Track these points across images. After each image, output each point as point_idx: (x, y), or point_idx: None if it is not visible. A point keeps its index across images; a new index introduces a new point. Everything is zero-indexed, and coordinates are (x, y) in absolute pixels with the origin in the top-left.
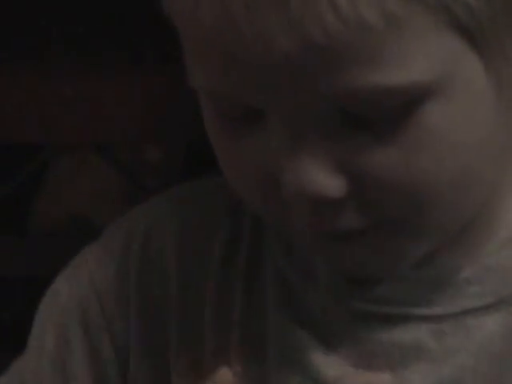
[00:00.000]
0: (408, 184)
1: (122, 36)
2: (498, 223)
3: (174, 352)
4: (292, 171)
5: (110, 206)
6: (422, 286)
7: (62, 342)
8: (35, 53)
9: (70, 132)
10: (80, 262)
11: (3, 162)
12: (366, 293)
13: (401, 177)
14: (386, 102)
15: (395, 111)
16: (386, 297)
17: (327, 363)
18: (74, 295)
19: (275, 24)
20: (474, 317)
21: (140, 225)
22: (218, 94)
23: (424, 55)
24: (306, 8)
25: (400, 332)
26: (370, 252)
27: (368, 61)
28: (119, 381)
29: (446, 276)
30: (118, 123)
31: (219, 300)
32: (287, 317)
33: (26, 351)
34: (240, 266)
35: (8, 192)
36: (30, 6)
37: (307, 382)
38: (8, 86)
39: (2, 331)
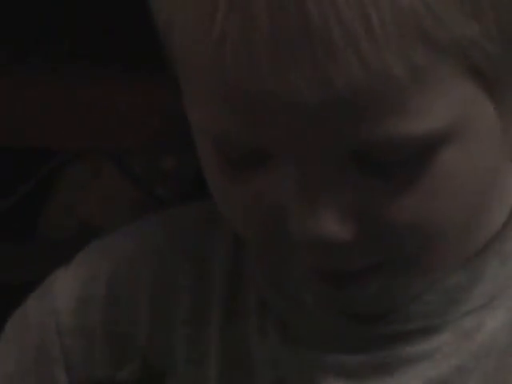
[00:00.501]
0: (421, 226)
1: (141, 44)
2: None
3: None
4: (302, 216)
5: (123, 215)
6: (419, 302)
7: (22, 366)
8: (48, 58)
9: (84, 139)
10: (48, 286)
11: (15, 168)
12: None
13: (415, 220)
14: (403, 149)
15: (412, 158)
16: (384, 317)
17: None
18: (37, 321)
19: (299, 76)
20: (472, 319)
21: (107, 261)
22: (221, 136)
23: (443, 102)
24: (331, 60)
25: (400, 348)
26: (373, 292)
27: (390, 110)
28: None
29: (440, 286)
30: (132, 131)
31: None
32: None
33: None
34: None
35: (19, 198)
36: (42, 9)
37: None
38: (22, 90)
39: None
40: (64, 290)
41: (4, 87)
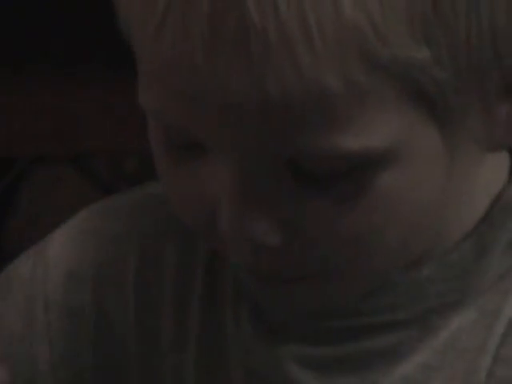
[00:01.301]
0: (356, 240)
1: (98, 49)
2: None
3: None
4: (232, 213)
5: None
6: (384, 293)
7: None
8: (10, 63)
9: (45, 144)
10: (43, 250)
11: None
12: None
13: (350, 234)
14: (339, 163)
15: (348, 173)
16: (349, 308)
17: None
18: (26, 288)
19: (234, 71)
20: (438, 315)
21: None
22: (166, 120)
23: (384, 123)
24: (265, 62)
25: (363, 342)
26: (311, 294)
27: (326, 123)
28: None
29: (406, 279)
30: (93, 135)
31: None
32: (254, 331)
33: None
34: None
35: None
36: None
37: None
38: None
39: None
40: (56, 260)
41: None
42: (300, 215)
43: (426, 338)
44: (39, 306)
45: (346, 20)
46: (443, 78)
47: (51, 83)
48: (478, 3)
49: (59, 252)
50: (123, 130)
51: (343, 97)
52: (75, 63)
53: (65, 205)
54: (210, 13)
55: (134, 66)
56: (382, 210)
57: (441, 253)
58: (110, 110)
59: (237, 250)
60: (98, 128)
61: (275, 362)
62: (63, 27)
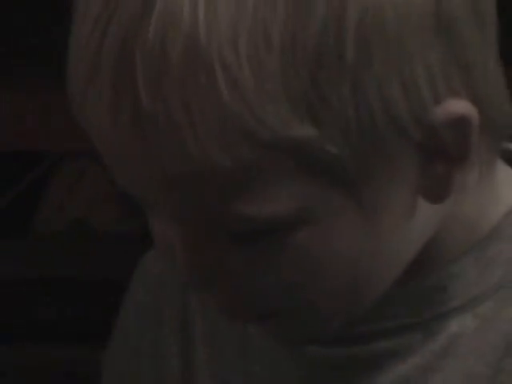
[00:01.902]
0: (291, 287)
1: None
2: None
3: None
4: (183, 261)
5: (109, 211)
6: (388, 302)
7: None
8: (37, 61)
9: (72, 141)
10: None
11: (8, 169)
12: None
13: (283, 282)
14: (254, 226)
15: (267, 232)
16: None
17: None
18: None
19: (135, 155)
20: (440, 321)
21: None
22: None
23: (285, 193)
24: (159, 145)
25: (362, 348)
26: (287, 328)
27: (227, 195)
28: None
29: (408, 290)
30: None
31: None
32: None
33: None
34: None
35: (12, 198)
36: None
37: None
38: (8, 94)
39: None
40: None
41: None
42: (235, 265)
43: (426, 342)
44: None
45: (224, 106)
46: (337, 153)
47: None
48: (363, 81)
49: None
50: None
51: (235, 172)
52: None
53: (88, 194)
54: (110, 102)
55: None
56: (304, 263)
57: (442, 263)
58: None
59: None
60: None
61: (294, 363)
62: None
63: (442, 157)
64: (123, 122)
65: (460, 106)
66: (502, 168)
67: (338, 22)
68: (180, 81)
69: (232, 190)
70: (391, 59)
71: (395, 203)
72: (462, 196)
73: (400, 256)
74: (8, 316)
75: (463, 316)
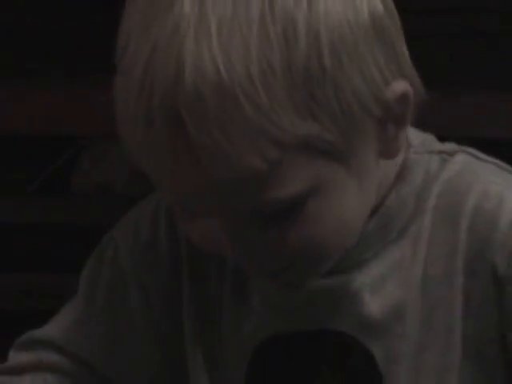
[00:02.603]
0: (306, 242)
1: None
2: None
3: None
4: (227, 249)
5: (129, 178)
6: (356, 246)
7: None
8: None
9: (98, 127)
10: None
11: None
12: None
13: (299, 242)
14: (277, 205)
15: (287, 208)
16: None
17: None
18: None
19: (188, 171)
20: (384, 250)
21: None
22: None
23: (299, 176)
24: (209, 160)
25: (335, 282)
26: (295, 277)
27: (262, 187)
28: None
29: (364, 233)
30: None
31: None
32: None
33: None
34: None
35: (59, 165)
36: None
37: None
38: (46, 90)
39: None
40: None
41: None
42: (268, 237)
43: (383, 260)
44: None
45: (251, 122)
46: (332, 138)
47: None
48: (339, 82)
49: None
50: None
51: (267, 171)
52: None
53: (113, 165)
54: (168, 145)
55: None
56: (312, 226)
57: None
58: None
59: (237, 263)
60: None
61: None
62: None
63: (392, 124)
64: (180, 156)
65: (401, 85)
66: None
67: (317, 48)
68: (216, 114)
69: (263, 184)
70: (353, 62)
71: (368, 164)
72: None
73: (371, 200)
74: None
75: (399, 244)
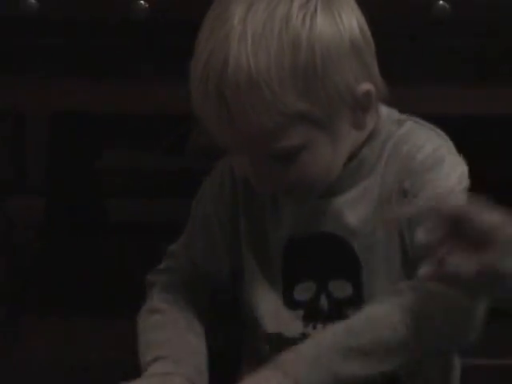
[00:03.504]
0: (300, 176)
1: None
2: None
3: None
4: (252, 180)
5: None
6: (336, 179)
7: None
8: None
9: None
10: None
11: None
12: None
13: (296, 174)
14: (282, 151)
15: (290, 154)
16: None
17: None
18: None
19: (228, 130)
20: (358, 182)
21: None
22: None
23: (296, 134)
24: (237, 123)
25: (326, 202)
26: (297, 198)
27: (274, 140)
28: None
29: (342, 174)
30: None
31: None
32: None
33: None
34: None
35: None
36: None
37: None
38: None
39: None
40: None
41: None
42: (278, 171)
43: (357, 187)
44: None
45: (268, 100)
46: (318, 114)
47: None
48: (326, 79)
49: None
50: None
51: (276, 130)
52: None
53: None
54: (216, 111)
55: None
56: (306, 166)
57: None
58: None
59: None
60: None
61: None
62: None
63: (360, 110)
64: (223, 117)
65: (367, 86)
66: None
67: (312, 56)
68: (246, 94)
69: (273, 137)
70: (336, 69)
71: (343, 133)
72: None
73: (344, 155)
74: None
75: (372, 177)
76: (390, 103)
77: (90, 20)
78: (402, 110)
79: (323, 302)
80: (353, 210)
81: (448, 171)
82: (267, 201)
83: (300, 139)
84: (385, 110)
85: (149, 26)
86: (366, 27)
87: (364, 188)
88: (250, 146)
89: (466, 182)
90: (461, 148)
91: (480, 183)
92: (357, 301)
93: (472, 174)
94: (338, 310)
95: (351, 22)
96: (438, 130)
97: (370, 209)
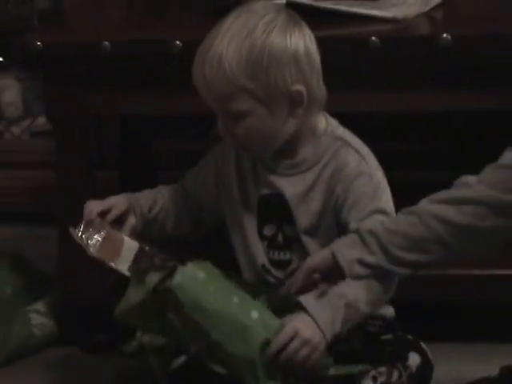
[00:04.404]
0: (245, 135)
1: None
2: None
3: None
4: (221, 130)
5: None
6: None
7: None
8: None
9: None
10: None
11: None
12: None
13: (244, 135)
14: (234, 112)
15: (239, 116)
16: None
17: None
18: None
19: (206, 93)
20: (302, 173)
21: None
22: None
23: (243, 102)
24: (212, 87)
25: (279, 176)
26: (247, 149)
27: (229, 101)
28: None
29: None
30: None
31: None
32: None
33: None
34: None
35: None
36: None
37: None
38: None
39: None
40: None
41: None
42: (233, 127)
43: (310, 170)
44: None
45: (230, 80)
46: (262, 96)
47: None
48: (268, 75)
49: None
50: None
51: (230, 95)
52: None
53: None
54: (200, 80)
55: None
56: (250, 127)
57: (298, 146)
58: None
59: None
60: None
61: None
62: None
63: (293, 102)
64: (202, 86)
65: (299, 87)
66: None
67: (261, 56)
68: (217, 74)
69: (229, 100)
70: (277, 69)
71: (281, 113)
72: (309, 118)
73: (284, 133)
74: None
75: (321, 164)
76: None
77: (141, 54)
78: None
79: (280, 238)
80: (293, 187)
81: (368, 180)
82: (250, 168)
83: (246, 106)
84: (331, 123)
85: (181, 58)
86: (313, 50)
87: (303, 177)
88: (216, 105)
89: (384, 185)
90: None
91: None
92: (300, 239)
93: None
94: (289, 244)
95: (298, 42)
96: (361, 147)
97: (305, 188)
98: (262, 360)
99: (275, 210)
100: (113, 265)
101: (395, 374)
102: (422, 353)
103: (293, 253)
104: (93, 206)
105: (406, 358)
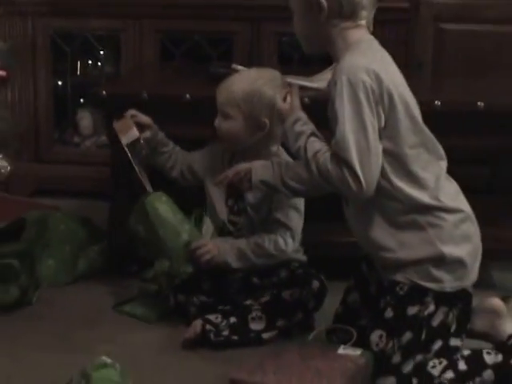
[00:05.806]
0: (224, 132)
1: None
2: None
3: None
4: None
5: None
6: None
7: None
8: None
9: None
10: None
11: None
12: None
13: (223, 130)
14: (224, 113)
15: (226, 117)
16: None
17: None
18: None
19: (223, 95)
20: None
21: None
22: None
23: (232, 111)
24: (223, 96)
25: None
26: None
27: (224, 106)
28: None
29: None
30: None
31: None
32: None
33: None
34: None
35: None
36: None
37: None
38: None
39: None
40: None
41: None
42: (219, 123)
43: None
44: None
45: (234, 102)
46: (244, 115)
47: None
48: (251, 105)
49: None
50: None
51: (227, 104)
52: None
53: None
54: (220, 96)
55: None
56: (228, 128)
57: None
58: None
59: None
60: None
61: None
62: None
63: (260, 129)
64: (220, 95)
65: (262, 119)
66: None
67: (251, 97)
68: (225, 95)
69: (225, 105)
70: (259, 105)
71: (254, 126)
72: (269, 132)
73: (248, 142)
74: None
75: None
76: None
77: (165, 102)
78: None
79: (235, 208)
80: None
81: None
82: (228, 159)
83: (233, 113)
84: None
85: (189, 105)
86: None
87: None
88: (220, 106)
89: None
90: None
91: None
92: (247, 210)
93: None
94: (240, 212)
95: (270, 93)
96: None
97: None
98: (184, 252)
99: (235, 190)
100: (120, 136)
101: (304, 292)
102: (320, 280)
103: (241, 217)
104: (131, 111)
105: (310, 283)
